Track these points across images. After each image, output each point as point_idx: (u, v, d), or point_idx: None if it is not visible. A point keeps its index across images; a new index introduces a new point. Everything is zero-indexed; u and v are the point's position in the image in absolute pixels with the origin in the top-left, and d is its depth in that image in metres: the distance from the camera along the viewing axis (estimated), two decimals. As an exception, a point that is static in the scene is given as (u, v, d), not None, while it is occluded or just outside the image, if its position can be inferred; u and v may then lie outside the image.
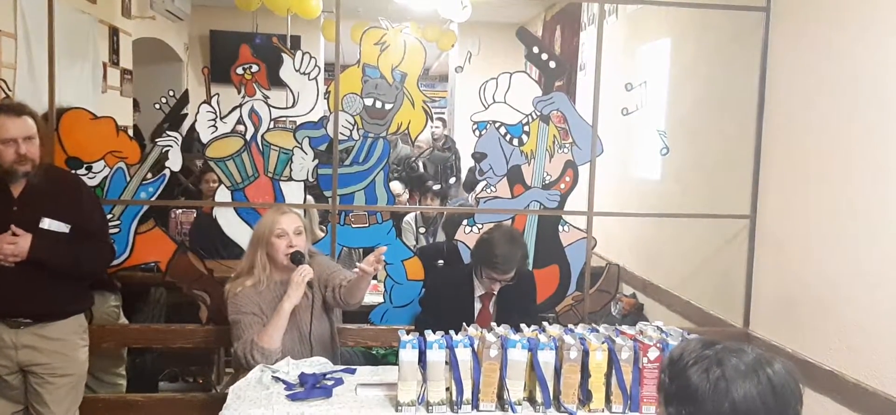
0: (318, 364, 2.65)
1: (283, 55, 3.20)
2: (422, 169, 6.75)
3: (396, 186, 5.10)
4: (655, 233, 4.33)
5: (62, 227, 2.66)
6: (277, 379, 2.52)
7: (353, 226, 3.34)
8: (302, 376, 2.53)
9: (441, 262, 3.46)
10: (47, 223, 2.63)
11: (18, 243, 2.56)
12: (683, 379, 1.36)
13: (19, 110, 2.62)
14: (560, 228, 3.42)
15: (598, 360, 2.39)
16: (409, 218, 4.88)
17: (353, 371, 2.65)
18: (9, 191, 2.63)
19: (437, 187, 5.12)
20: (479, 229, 3.29)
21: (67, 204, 2.71)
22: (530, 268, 3.27)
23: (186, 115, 3.20)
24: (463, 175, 6.79)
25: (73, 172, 3.03)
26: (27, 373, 2.72)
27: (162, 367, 4.20)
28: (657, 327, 2.58)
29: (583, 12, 6.23)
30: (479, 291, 3.02)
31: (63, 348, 2.74)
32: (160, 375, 4.18)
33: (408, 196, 5.30)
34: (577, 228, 3.43)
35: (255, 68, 3.17)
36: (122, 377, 3.66)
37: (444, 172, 6.92)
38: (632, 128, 4.33)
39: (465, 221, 3.40)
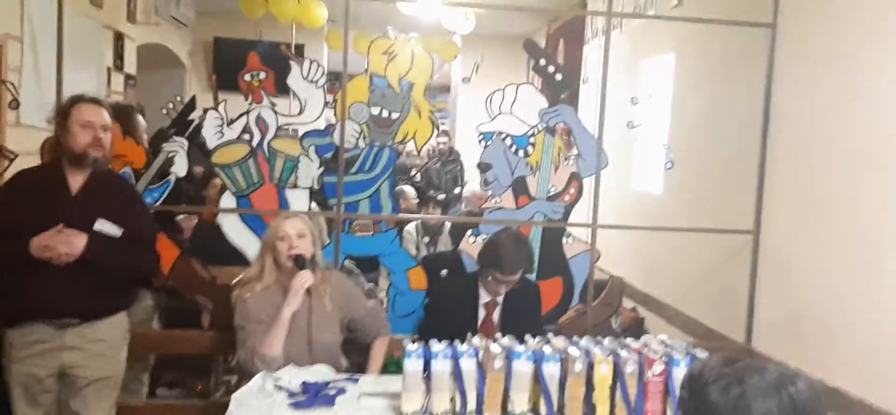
0: (320, 373, 2.65)
1: (291, 62, 3.21)
2: (419, 179, 6.75)
3: (408, 191, 5.09)
4: (657, 246, 4.33)
5: (115, 230, 2.67)
6: (280, 387, 2.51)
7: (358, 234, 3.34)
8: (304, 384, 2.52)
9: (445, 271, 3.46)
10: (101, 225, 2.64)
11: (73, 243, 2.55)
12: (703, 397, 1.33)
13: (98, 101, 2.72)
14: (564, 240, 3.42)
15: (603, 373, 2.39)
16: (411, 228, 4.87)
17: (356, 380, 2.64)
18: (68, 188, 2.65)
19: (440, 197, 5.11)
20: (483, 240, 3.30)
21: (122, 208, 2.73)
22: (534, 278, 3.27)
23: (193, 120, 3.20)
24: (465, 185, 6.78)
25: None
26: (65, 375, 2.69)
27: (159, 373, 4.17)
28: (661, 340, 2.58)
29: (587, 26, 6.25)
30: (483, 298, 3.02)
31: (106, 350, 2.73)
32: (158, 381, 4.15)
33: (418, 202, 5.28)
34: (581, 241, 3.43)
35: (262, 75, 3.18)
36: (144, 384, 3.61)
37: (448, 182, 6.92)
38: (635, 141, 4.34)
39: (469, 231, 3.41)
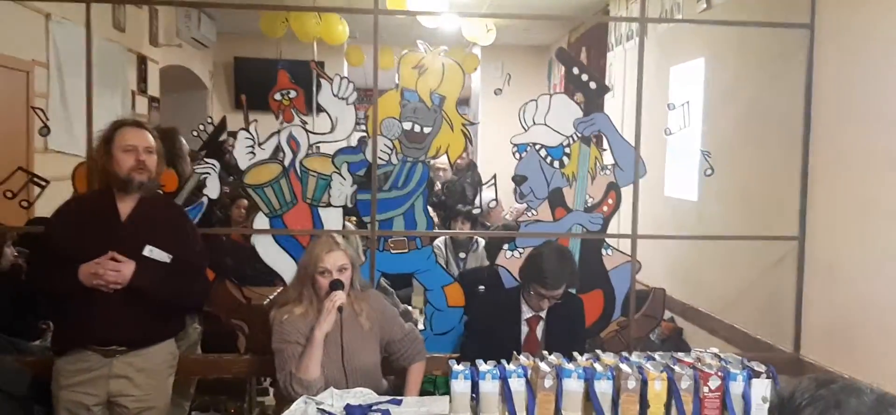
0: (363, 395, 2.58)
1: (321, 80, 3.16)
2: (443, 195, 6.67)
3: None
4: (696, 255, 4.23)
5: (164, 256, 2.63)
6: (322, 411, 2.45)
7: (393, 251, 3.28)
8: (347, 407, 2.46)
9: (482, 287, 3.39)
10: (150, 251, 2.60)
11: (122, 270, 2.52)
12: None
13: (140, 124, 2.71)
14: (603, 251, 3.34)
15: (657, 390, 2.31)
16: (439, 243, 4.80)
17: (399, 402, 2.56)
18: (117, 214, 2.62)
19: (476, 211, 5.03)
20: (519, 254, 3.22)
21: (171, 234, 2.69)
22: (576, 292, 3.19)
23: (224, 141, 3.16)
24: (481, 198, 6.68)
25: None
26: (113, 404, 2.65)
27: (193, 396, 4.12)
28: (715, 354, 2.50)
29: (610, 33, 6.18)
30: (526, 314, 2.95)
31: (153, 378, 2.69)
32: (192, 404, 4.11)
33: (437, 221, 5.22)
34: (621, 252, 3.35)
35: (292, 94, 3.14)
36: (184, 412, 3.57)
37: (472, 196, 6.83)
38: (667, 148, 4.25)
39: (505, 246, 3.33)
